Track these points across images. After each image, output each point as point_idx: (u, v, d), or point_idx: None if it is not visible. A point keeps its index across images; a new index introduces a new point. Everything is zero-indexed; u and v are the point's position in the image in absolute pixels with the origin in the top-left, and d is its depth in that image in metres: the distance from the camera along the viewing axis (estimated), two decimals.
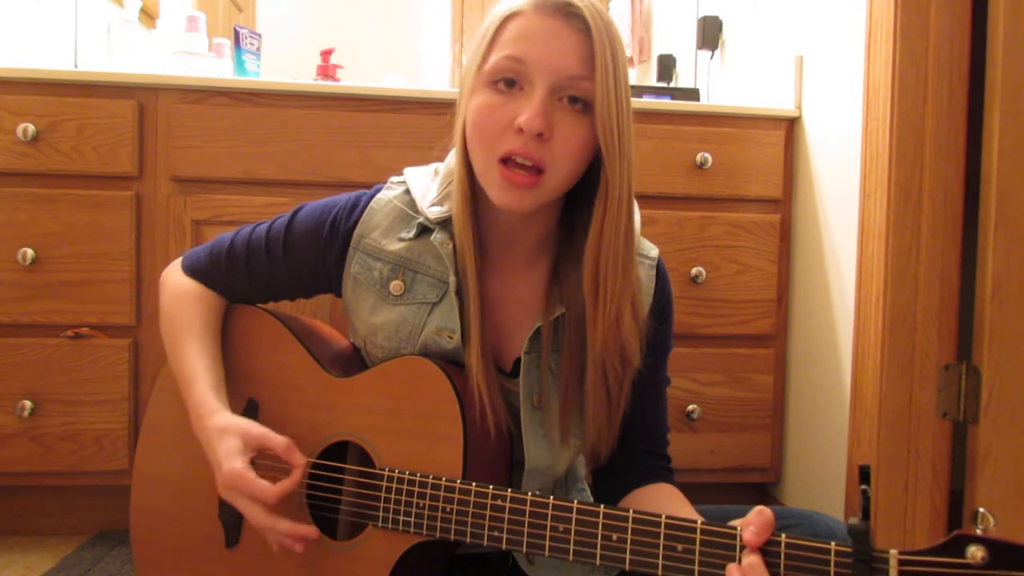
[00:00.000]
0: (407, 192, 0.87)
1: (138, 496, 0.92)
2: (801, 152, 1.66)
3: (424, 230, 0.84)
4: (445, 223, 0.83)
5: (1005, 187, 1.24)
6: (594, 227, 0.78)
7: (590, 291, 0.79)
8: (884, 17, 1.32)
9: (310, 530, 0.78)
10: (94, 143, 1.46)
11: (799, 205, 1.67)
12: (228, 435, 0.79)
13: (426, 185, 0.87)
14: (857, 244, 1.40)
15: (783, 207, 1.68)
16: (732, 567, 0.62)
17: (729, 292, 1.65)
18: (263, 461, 0.82)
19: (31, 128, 1.43)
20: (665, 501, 0.85)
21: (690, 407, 1.63)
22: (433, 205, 0.84)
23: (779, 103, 1.71)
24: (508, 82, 0.75)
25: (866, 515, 0.59)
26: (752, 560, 0.61)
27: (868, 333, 1.36)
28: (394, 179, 0.90)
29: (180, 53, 1.75)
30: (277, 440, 0.79)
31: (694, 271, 1.62)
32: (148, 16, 2.04)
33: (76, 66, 1.83)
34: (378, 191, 0.89)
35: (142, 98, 1.49)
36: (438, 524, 0.75)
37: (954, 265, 1.31)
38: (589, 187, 0.81)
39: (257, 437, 0.79)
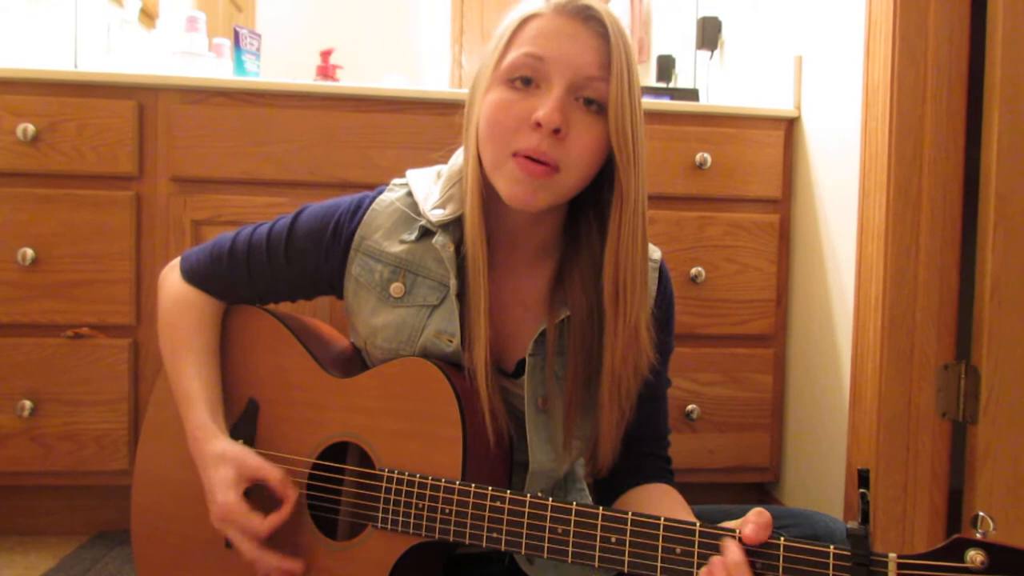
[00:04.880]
0: (409, 194, 0.87)
1: (139, 495, 0.93)
2: (800, 152, 1.66)
3: (426, 233, 0.84)
4: (447, 226, 0.83)
5: (1004, 187, 1.24)
6: (611, 237, 0.78)
7: (610, 301, 0.79)
8: (883, 17, 1.32)
9: (296, 565, 0.79)
10: (94, 143, 1.46)
11: (798, 205, 1.67)
12: (224, 464, 0.81)
13: (428, 188, 0.87)
14: (856, 244, 1.40)
15: (782, 207, 1.68)
16: (716, 559, 0.63)
17: (728, 292, 1.65)
18: (258, 485, 0.83)
19: (31, 128, 1.43)
20: (660, 500, 0.85)
21: (689, 407, 1.63)
22: (436, 208, 0.84)
23: (778, 103, 1.72)
24: (525, 80, 0.75)
25: (865, 519, 0.59)
26: (737, 559, 0.62)
27: (867, 333, 1.36)
28: (396, 181, 0.90)
29: (180, 53, 1.75)
30: (272, 473, 0.80)
31: (693, 271, 1.62)
32: (148, 16, 2.04)
33: (76, 66, 1.83)
34: (380, 193, 0.89)
35: (142, 98, 1.49)
36: (437, 525, 0.75)
37: (953, 265, 1.31)
38: (596, 192, 0.81)
39: (253, 468, 0.80)
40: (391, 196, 0.88)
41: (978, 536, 0.56)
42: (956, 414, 1.29)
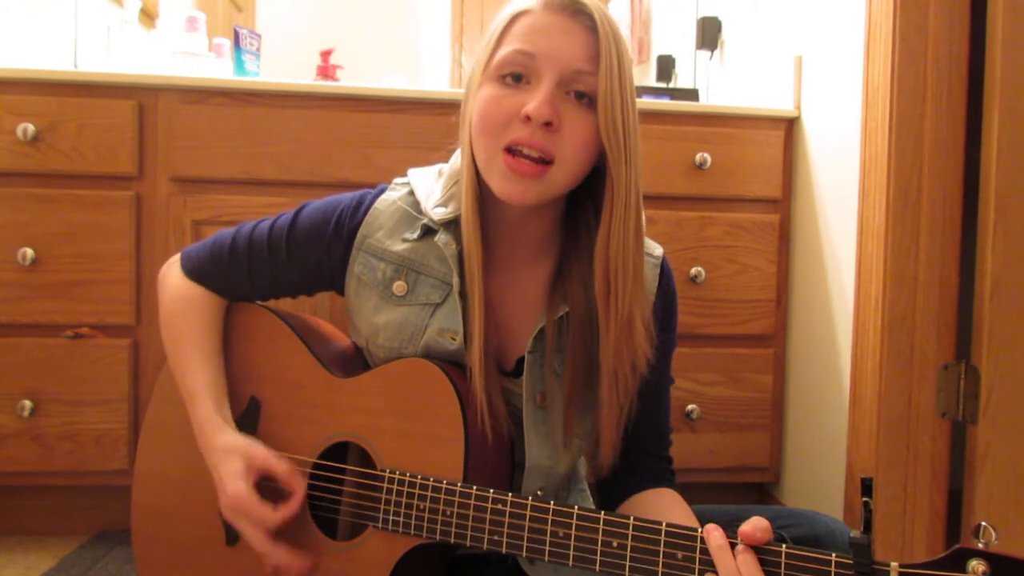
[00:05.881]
0: (411, 193, 0.88)
1: (139, 495, 0.92)
2: (800, 152, 1.66)
3: (428, 231, 0.84)
4: (449, 224, 0.83)
5: (1004, 187, 1.24)
6: (602, 229, 0.78)
7: (601, 294, 0.79)
8: (883, 17, 1.32)
9: (306, 560, 0.79)
10: (94, 143, 1.46)
11: (798, 205, 1.67)
12: (233, 456, 0.81)
13: (430, 187, 0.87)
14: (856, 244, 1.40)
15: (782, 207, 1.68)
16: (724, 556, 0.63)
17: (728, 292, 1.65)
18: (267, 483, 0.83)
19: (31, 128, 1.43)
20: (666, 508, 0.85)
21: (689, 407, 1.63)
22: (437, 206, 0.84)
23: (778, 103, 1.72)
24: (516, 76, 0.76)
25: (868, 527, 0.59)
26: (747, 558, 0.62)
27: (867, 333, 1.36)
28: (398, 180, 0.90)
29: (180, 53, 1.75)
30: (279, 466, 0.80)
31: (693, 271, 1.62)
32: (148, 16, 2.04)
33: (76, 66, 1.83)
34: (382, 191, 0.89)
35: (142, 98, 1.49)
36: (438, 527, 0.75)
37: (953, 265, 1.31)
38: (594, 186, 0.81)
39: (260, 460, 0.81)
40: (393, 195, 0.88)
41: (980, 546, 0.56)
42: (956, 414, 1.29)
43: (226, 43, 1.85)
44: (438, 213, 0.83)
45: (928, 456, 1.31)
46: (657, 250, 0.90)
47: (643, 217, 0.81)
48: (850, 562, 0.59)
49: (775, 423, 1.68)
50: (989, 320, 1.25)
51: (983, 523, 0.56)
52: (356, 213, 0.87)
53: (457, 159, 0.86)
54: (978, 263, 1.28)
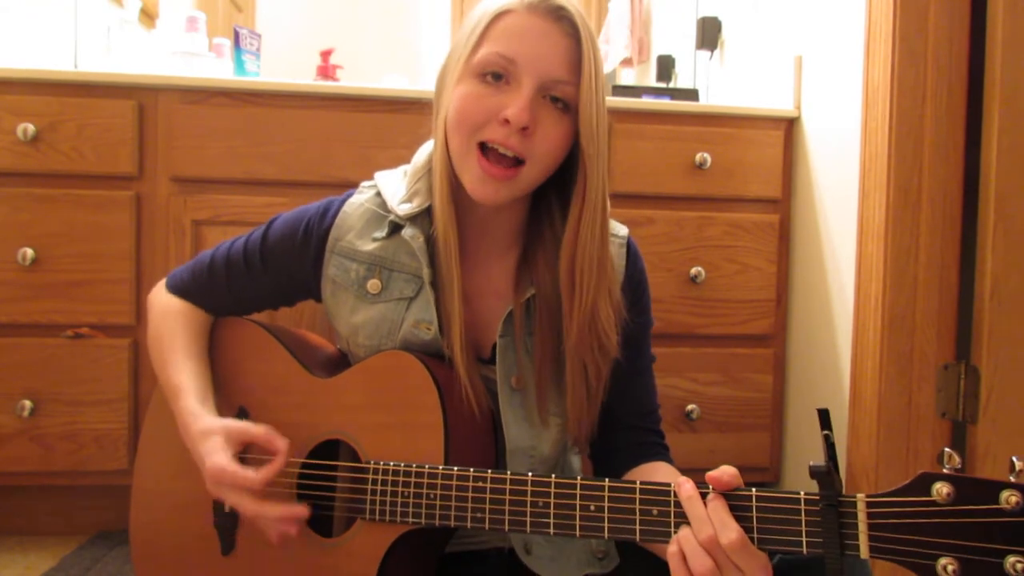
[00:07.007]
0: (378, 194, 0.90)
1: (137, 513, 0.93)
2: (800, 152, 1.66)
3: (396, 228, 0.86)
4: (415, 218, 0.85)
5: (1004, 187, 1.24)
6: (570, 227, 0.81)
7: (566, 288, 0.81)
8: (883, 17, 1.32)
9: (301, 510, 0.78)
10: (94, 143, 1.46)
11: (798, 205, 1.67)
12: (211, 436, 0.81)
13: (396, 186, 0.89)
14: (856, 244, 1.40)
15: (782, 207, 1.68)
16: (695, 505, 0.64)
17: (728, 292, 1.65)
18: (252, 456, 0.83)
19: (31, 128, 1.43)
20: (659, 478, 0.86)
21: (689, 407, 1.63)
22: (403, 203, 0.86)
23: (778, 103, 1.72)
24: (495, 76, 0.78)
25: (832, 461, 0.60)
26: (716, 504, 0.63)
27: (867, 333, 1.36)
28: (365, 184, 0.93)
29: (180, 53, 1.75)
30: (257, 430, 0.81)
31: (693, 271, 1.62)
32: (148, 16, 2.04)
33: (76, 66, 1.83)
34: (349, 196, 0.91)
35: (142, 98, 1.49)
36: (423, 511, 0.76)
37: (953, 265, 1.31)
38: (561, 177, 0.83)
39: (238, 432, 0.81)
40: (361, 197, 0.90)
41: (945, 471, 0.57)
42: (956, 414, 1.29)
43: (226, 43, 1.85)
44: (403, 209, 0.85)
45: (928, 456, 1.31)
46: (622, 231, 0.92)
47: (608, 210, 0.84)
48: (817, 497, 0.60)
49: (775, 423, 1.68)
50: (989, 320, 1.25)
51: (947, 449, 0.57)
52: (324, 219, 0.89)
53: (420, 155, 0.89)
54: (978, 263, 1.28)
